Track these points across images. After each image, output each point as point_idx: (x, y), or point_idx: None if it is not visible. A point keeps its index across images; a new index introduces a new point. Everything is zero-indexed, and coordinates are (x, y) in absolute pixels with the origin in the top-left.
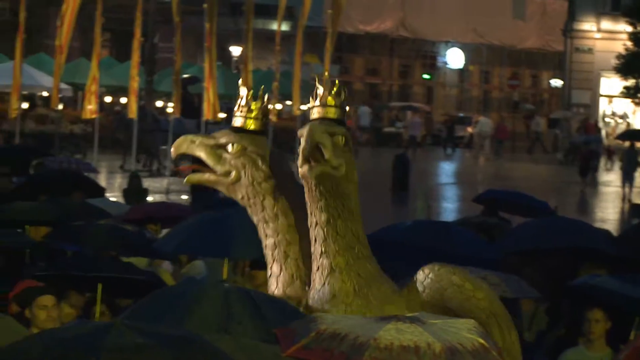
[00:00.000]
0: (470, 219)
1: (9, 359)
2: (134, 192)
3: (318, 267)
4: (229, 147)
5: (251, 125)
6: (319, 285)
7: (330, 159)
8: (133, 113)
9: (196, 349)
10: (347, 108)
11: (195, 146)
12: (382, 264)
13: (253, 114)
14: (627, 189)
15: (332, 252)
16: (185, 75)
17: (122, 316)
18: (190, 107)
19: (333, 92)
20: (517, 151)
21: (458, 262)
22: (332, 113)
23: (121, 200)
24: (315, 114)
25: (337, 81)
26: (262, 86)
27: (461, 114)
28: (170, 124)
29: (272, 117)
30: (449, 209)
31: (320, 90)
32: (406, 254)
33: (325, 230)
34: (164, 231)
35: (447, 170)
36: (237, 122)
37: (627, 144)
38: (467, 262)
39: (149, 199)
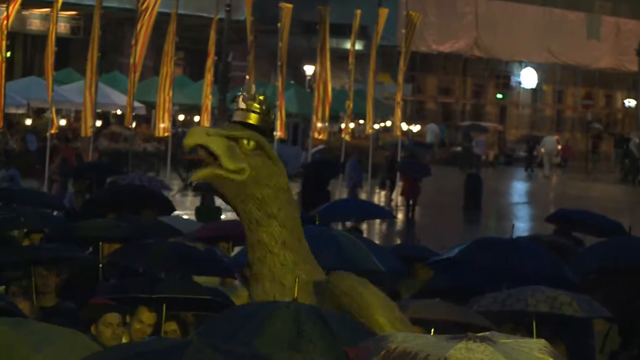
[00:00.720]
0: (542, 238)
1: None
2: (206, 210)
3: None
4: (244, 143)
5: (260, 122)
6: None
7: (226, 163)
8: None
9: None
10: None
11: (210, 138)
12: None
13: (260, 110)
14: None
15: (251, 260)
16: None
17: (195, 333)
18: None
19: (260, 98)
20: (588, 171)
21: (528, 281)
22: (253, 119)
23: (193, 218)
24: (235, 116)
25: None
26: (264, 90)
27: (534, 133)
28: None
29: (346, 136)
30: (522, 228)
31: (246, 94)
32: (477, 273)
33: (247, 236)
34: (236, 249)
35: (519, 189)
36: (242, 116)
37: None
38: (537, 280)
39: (222, 217)
